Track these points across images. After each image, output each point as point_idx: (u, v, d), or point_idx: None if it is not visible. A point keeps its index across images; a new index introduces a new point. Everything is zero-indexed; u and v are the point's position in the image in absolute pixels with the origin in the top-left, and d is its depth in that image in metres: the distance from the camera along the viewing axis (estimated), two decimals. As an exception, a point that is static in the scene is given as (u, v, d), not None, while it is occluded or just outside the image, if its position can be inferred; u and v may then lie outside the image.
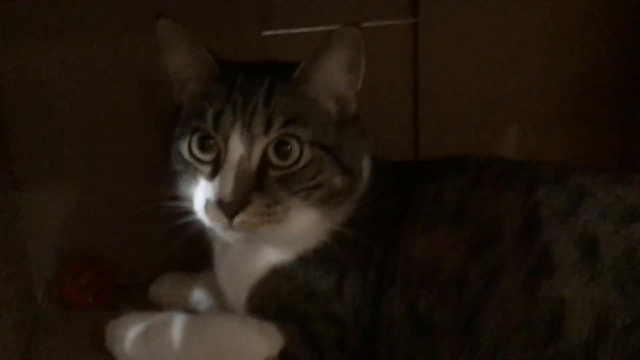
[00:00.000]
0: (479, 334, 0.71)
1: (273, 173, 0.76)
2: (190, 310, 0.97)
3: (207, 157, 0.78)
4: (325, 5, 1.04)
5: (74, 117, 1.01)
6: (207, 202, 0.76)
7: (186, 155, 0.79)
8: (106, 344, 0.89)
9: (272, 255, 0.82)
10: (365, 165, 0.85)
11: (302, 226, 0.79)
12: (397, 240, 0.80)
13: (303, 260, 0.81)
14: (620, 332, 0.65)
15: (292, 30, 1.04)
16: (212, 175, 0.77)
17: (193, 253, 0.91)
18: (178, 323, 0.85)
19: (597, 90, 1.14)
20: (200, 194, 0.78)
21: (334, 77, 0.79)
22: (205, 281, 0.99)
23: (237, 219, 0.74)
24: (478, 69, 1.10)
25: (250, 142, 0.75)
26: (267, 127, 0.75)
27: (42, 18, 0.96)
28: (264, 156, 0.76)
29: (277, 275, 0.82)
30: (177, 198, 0.82)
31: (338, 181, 0.79)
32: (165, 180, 0.83)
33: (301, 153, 0.77)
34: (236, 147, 0.75)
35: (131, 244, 1.05)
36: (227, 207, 0.74)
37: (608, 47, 1.12)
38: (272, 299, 0.82)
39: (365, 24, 1.02)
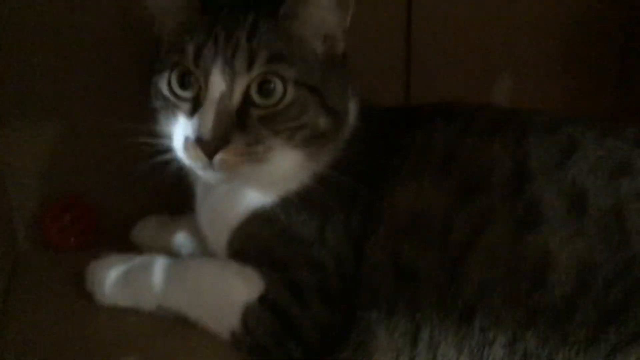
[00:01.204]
0: (461, 282, 0.70)
1: (255, 112, 0.74)
2: (172, 253, 0.95)
3: (186, 94, 0.76)
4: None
5: (53, 52, 0.98)
6: (186, 140, 0.74)
7: (165, 91, 0.77)
8: (86, 285, 0.89)
9: (253, 198, 0.81)
10: (352, 109, 0.83)
11: (285, 167, 0.78)
12: (382, 186, 0.79)
13: (285, 203, 0.80)
14: (602, 286, 0.65)
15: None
16: (191, 113, 0.75)
17: (176, 195, 0.90)
18: (159, 266, 0.85)
19: (593, 36, 1.12)
20: (179, 132, 0.76)
21: (322, 13, 0.77)
22: (188, 224, 0.98)
23: (217, 158, 0.73)
24: (473, 13, 1.08)
25: (231, 78, 0.73)
26: (250, 64, 0.73)
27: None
28: (246, 94, 0.74)
29: (258, 218, 0.81)
30: (157, 135, 0.80)
31: (322, 122, 0.77)
32: (146, 117, 0.81)
33: (285, 92, 0.75)
34: (217, 83, 0.73)
35: (113, 184, 1.04)
36: (206, 146, 0.72)
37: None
38: (253, 243, 0.82)
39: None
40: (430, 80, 1.10)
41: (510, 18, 1.09)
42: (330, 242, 0.79)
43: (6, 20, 0.95)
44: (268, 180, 0.79)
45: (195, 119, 0.73)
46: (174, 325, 0.83)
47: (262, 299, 0.78)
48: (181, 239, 0.98)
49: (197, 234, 0.95)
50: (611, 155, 0.72)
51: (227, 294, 0.80)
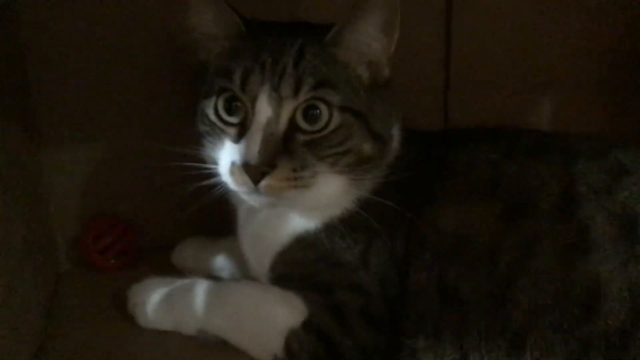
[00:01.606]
0: (510, 309, 0.69)
1: (301, 137, 0.75)
2: (212, 276, 0.96)
3: (233, 119, 0.76)
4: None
5: (99, 75, 1.00)
6: (233, 165, 0.75)
7: (212, 116, 0.78)
8: (128, 307, 0.89)
9: (297, 222, 0.81)
10: (395, 133, 0.83)
11: (329, 193, 0.78)
12: (427, 210, 0.78)
13: (329, 228, 0.80)
14: None
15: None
16: (238, 138, 0.75)
17: (217, 217, 0.90)
18: (201, 289, 0.85)
19: (631, 59, 1.11)
20: (226, 157, 0.76)
21: (368, 41, 0.77)
22: (228, 247, 0.98)
23: (263, 183, 0.73)
24: (512, 34, 1.08)
25: (278, 103, 0.74)
26: (296, 89, 0.74)
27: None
28: (292, 120, 0.74)
29: (302, 243, 0.81)
30: (201, 160, 0.81)
31: (367, 147, 0.77)
32: (190, 141, 0.82)
33: (330, 118, 0.75)
34: (264, 109, 0.74)
35: (154, 205, 1.05)
36: (252, 171, 0.73)
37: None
38: (296, 267, 0.81)
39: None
40: (469, 104, 1.10)
41: (549, 42, 1.09)
42: (374, 267, 0.79)
43: (52, 44, 0.97)
44: (312, 205, 0.79)
45: (241, 144, 0.74)
46: (215, 349, 0.83)
47: (306, 324, 0.78)
48: (221, 262, 0.99)
49: (237, 256, 0.95)
50: None
51: (270, 319, 0.80)
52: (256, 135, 0.73)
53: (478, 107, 1.09)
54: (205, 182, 0.80)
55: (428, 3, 1.05)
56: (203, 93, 0.79)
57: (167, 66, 1.00)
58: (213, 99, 0.77)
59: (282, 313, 0.79)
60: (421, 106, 1.07)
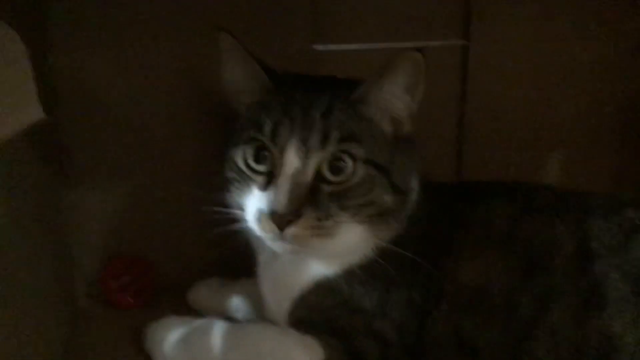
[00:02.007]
0: None
1: (326, 188, 0.77)
2: (228, 317, 0.97)
3: (261, 167, 0.79)
4: (378, 23, 1.05)
5: (127, 118, 1.02)
6: (260, 212, 0.77)
7: (241, 164, 0.80)
8: (145, 345, 0.91)
9: (317, 268, 0.83)
10: (415, 186, 0.85)
11: (350, 241, 0.79)
12: (444, 262, 0.80)
13: (348, 275, 0.81)
14: None
15: (344, 47, 1.05)
16: (265, 186, 0.77)
17: (234, 259, 0.92)
18: (218, 330, 0.86)
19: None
20: (253, 204, 0.78)
21: (393, 100, 0.80)
22: (244, 288, 1.00)
23: (289, 231, 0.75)
24: (525, 94, 1.11)
25: (306, 155, 0.76)
26: (324, 142, 0.76)
27: (103, 18, 0.98)
28: (318, 171, 0.77)
29: (321, 288, 0.83)
30: (226, 205, 0.83)
31: (388, 199, 0.79)
32: (215, 186, 0.84)
33: (354, 170, 0.77)
34: (292, 160, 0.76)
35: (174, 245, 1.08)
36: (279, 219, 0.75)
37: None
38: (315, 312, 0.83)
39: (415, 43, 1.04)
40: (482, 159, 1.12)
41: (562, 99, 1.11)
42: (393, 314, 0.80)
43: (82, 87, 1.00)
44: (333, 252, 0.81)
45: (269, 193, 0.76)
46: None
47: (323, 367, 0.79)
48: (237, 303, 1.00)
49: (254, 298, 0.96)
50: None
51: (287, 361, 0.81)
52: (284, 185, 0.75)
53: (491, 162, 1.11)
54: (228, 227, 0.82)
55: (444, 62, 1.08)
56: (234, 141, 0.82)
57: (194, 111, 1.03)
58: (242, 148, 0.80)
59: (299, 355, 0.80)
60: (435, 160, 1.10)
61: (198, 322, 0.89)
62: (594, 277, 0.71)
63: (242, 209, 0.81)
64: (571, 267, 0.73)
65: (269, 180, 0.77)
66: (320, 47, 1.05)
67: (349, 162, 0.77)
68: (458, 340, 0.76)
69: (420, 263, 0.79)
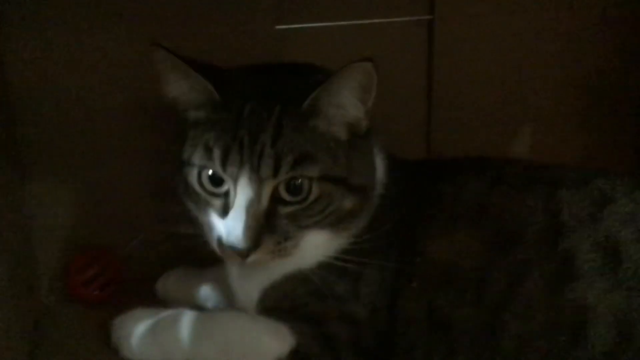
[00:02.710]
0: (500, 336, 0.70)
1: (282, 210, 0.75)
2: (197, 306, 0.95)
3: (218, 189, 0.76)
4: (341, 0, 1.03)
5: (83, 111, 1.00)
6: (219, 239, 0.75)
7: (196, 187, 0.77)
8: (112, 339, 0.88)
9: (288, 264, 0.80)
10: (379, 166, 0.83)
11: (315, 246, 0.78)
12: (415, 240, 0.79)
13: (320, 267, 0.80)
14: None
15: (307, 25, 1.03)
16: (222, 213, 0.75)
17: (201, 248, 0.89)
18: (187, 320, 0.84)
19: (612, 92, 1.13)
20: (212, 228, 0.77)
21: (345, 109, 0.76)
22: (212, 277, 0.98)
23: (250, 259, 0.74)
24: (493, 68, 1.10)
25: (258, 185, 0.73)
26: (276, 170, 0.73)
27: (57, 10, 0.95)
28: (273, 194, 0.74)
29: (292, 279, 0.81)
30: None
31: (348, 203, 0.77)
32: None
33: (310, 189, 0.75)
34: (245, 190, 0.73)
35: (137, 237, 1.05)
36: (239, 252, 0.74)
37: (626, 47, 1.11)
38: (286, 300, 0.81)
39: (380, 20, 1.03)
40: (451, 134, 1.11)
41: (531, 73, 1.10)
42: (365, 297, 0.79)
43: (37, 78, 0.98)
44: (300, 255, 0.79)
45: (227, 223, 0.74)
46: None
47: (294, 354, 0.78)
48: (206, 292, 0.98)
49: (222, 286, 0.95)
50: None
51: (257, 349, 0.79)
52: (239, 218, 0.73)
53: (460, 138, 1.11)
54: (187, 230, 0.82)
55: (410, 38, 1.06)
56: (184, 157, 0.78)
57: (149, 105, 0.99)
58: (195, 171, 0.77)
59: (269, 343, 0.79)
60: (404, 136, 1.09)
61: (166, 313, 0.87)
62: (565, 249, 0.71)
63: (201, 223, 0.80)
64: (542, 239, 0.73)
65: (225, 207, 0.75)
66: (283, 26, 1.02)
67: (305, 182, 0.74)
68: (431, 317, 0.75)
69: (391, 243, 0.78)
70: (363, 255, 0.78)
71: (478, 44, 1.08)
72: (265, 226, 0.74)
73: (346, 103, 0.76)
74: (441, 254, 0.77)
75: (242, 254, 0.73)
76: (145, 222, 1.04)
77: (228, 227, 0.74)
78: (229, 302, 0.92)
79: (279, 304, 0.82)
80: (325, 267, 0.80)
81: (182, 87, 0.78)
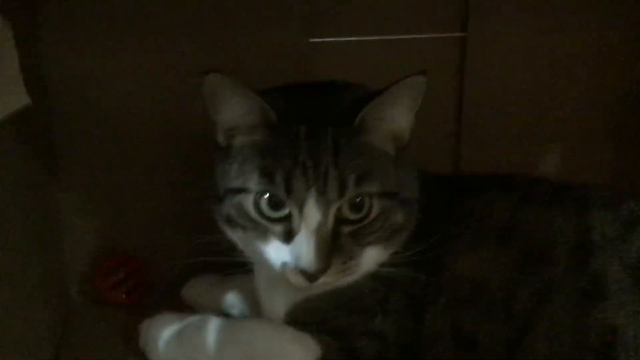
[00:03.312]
0: (526, 355, 0.69)
1: (346, 229, 0.74)
2: (222, 313, 0.96)
3: (278, 214, 0.74)
4: (374, 15, 1.04)
5: (119, 114, 1.01)
6: (285, 265, 0.74)
7: (253, 214, 0.75)
8: (139, 343, 0.89)
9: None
10: (416, 187, 0.82)
11: (368, 265, 0.78)
12: (443, 256, 0.79)
13: (356, 283, 0.80)
14: None
15: (340, 39, 1.04)
16: (286, 238, 0.74)
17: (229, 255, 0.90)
18: (213, 326, 0.84)
19: (642, 110, 1.12)
20: (274, 254, 0.75)
21: (395, 122, 0.77)
22: (238, 285, 0.98)
23: (318, 282, 0.73)
24: (523, 86, 1.10)
25: (326, 207, 0.72)
26: (342, 191, 0.72)
27: (95, 13, 0.96)
28: (337, 215, 0.74)
29: (326, 295, 0.80)
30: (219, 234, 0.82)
31: (400, 217, 0.77)
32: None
33: (371, 207, 0.74)
34: (313, 214, 0.72)
35: (167, 242, 1.06)
36: (310, 276, 0.72)
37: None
38: (315, 313, 0.81)
39: (413, 36, 1.04)
40: (480, 151, 1.11)
41: (562, 92, 1.10)
42: (392, 313, 0.79)
43: (74, 82, 0.99)
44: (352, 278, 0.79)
45: (294, 248, 0.73)
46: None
47: (319, 366, 0.78)
48: (232, 299, 0.98)
49: (247, 294, 0.95)
50: None
51: (283, 357, 0.79)
52: (309, 242, 0.72)
53: (489, 156, 1.10)
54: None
55: (442, 54, 1.07)
56: (233, 184, 0.77)
57: (187, 113, 0.99)
58: (251, 196, 0.75)
59: (295, 352, 0.79)
60: (433, 153, 1.09)
61: (192, 319, 0.88)
62: (594, 269, 0.70)
63: (252, 250, 0.79)
64: (571, 259, 0.72)
65: (289, 232, 0.74)
66: (316, 39, 1.03)
67: (366, 200, 0.74)
68: (456, 334, 0.75)
69: (421, 259, 0.77)
70: (396, 272, 0.77)
71: (510, 61, 1.08)
72: (333, 247, 0.73)
73: (398, 117, 0.76)
74: (468, 271, 0.77)
75: (312, 277, 0.72)
76: (174, 228, 1.05)
77: (297, 252, 0.73)
78: (255, 310, 0.93)
79: (307, 316, 0.81)
80: (361, 284, 0.79)
81: (236, 110, 0.76)
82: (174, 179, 1.04)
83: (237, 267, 0.90)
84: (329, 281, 0.74)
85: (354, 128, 0.74)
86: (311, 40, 1.03)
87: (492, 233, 0.78)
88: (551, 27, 1.07)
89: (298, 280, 0.73)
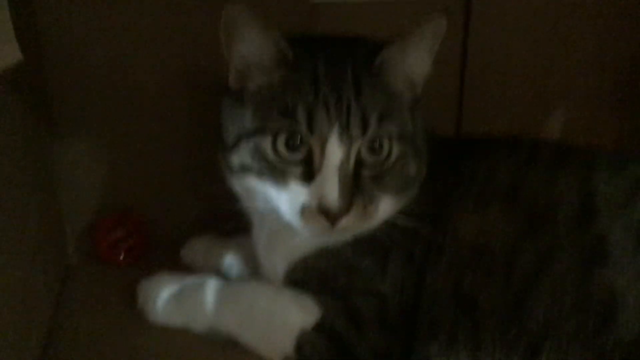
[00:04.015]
0: (526, 317, 0.69)
1: (366, 172, 0.74)
2: (221, 273, 0.96)
3: (296, 156, 0.73)
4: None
5: (115, 72, 1.00)
6: (304, 207, 0.72)
7: (270, 155, 0.74)
8: (138, 302, 0.89)
9: (325, 238, 0.79)
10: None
11: (383, 216, 0.77)
12: (446, 217, 0.78)
13: (356, 242, 0.79)
14: None
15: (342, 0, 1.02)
16: (306, 178, 0.73)
17: (229, 215, 0.88)
18: (212, 287, 0.85)
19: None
20: (292, 198, 0.74)
21: (416, 65, 0.77)
22: (238, 246, 0.98)
23: (340, 224, 0.72)
24: (528, 47, 1.08)
25: (348, 144, 0.72)
26: (365, 127, 0.72)
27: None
28: (358, 156, 0.73)
29: (324, 253, 0.80)
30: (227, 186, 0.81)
31: (413, 167, 0.77)
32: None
33: (391, 149, 0.74)
34: (335, 150, 0.72)
35: (167, 201, 1.06)
36: (333, 215, 0.71)
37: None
38: (314, 273, 0.81)
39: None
40: (483, 113, 1.10)
41: (566, 54, 1.09)
42: (393, 273, 0.79)
43: (70, 39, 0.97)
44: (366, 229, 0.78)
45: (316, 187, 0.72)
46: (225, 348, 0.82)
47: (319, 326, 0.78)
48: (231, 260, 0.98)
49: (247, 255, 0.95)
50: None
51: (282, 319, 0.80)
52: (332, 179, 0.71)
53: (491, 117, 1.09)
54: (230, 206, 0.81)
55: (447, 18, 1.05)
56: (249, 128, 0.75)
57: (186, 72, 1.00)
58: (269, 137, 0.74)
59: (294, 313, 0.79)
60: (437, 114, 1.07)
61: (191, 279, 0.88)
62: (597, 233, 0.70)
63: (264, 199, 0.77)
64: (574, 222, 0.72)
65: (309, 172, 0.73)
66: (317, 0, 1.01)
67: (386, 142, 0.74)
68: (458, 295, 0.75)
69: (423, 221, 0.77)
70: (397, 232, 0.77)
71: (514, 24, 1.06)
72: (354, 188, 0.72)
73: (417, 60, 0.76)
74: (471, 232, 0.76)
75: (336, 217, 0.71)
76: (174, 186, 1.05)
77: (319, 190, 0.71)
78: (254, 271, 0.93)
79: (307, 276, 0.81)
80: (360, 244, 0.79)
81: (254, 46, 0.75)
82: (175, 133, 1.03)
83: (238, 228, 0.91)
84: (350, 224, 0.72)
85: (374, 69, 0.74)
86: (313, 0, 1.00)
87: (496, 195, 0.78)
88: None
89: (319, 221, 0.72)
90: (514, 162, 0.80)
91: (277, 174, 0.74)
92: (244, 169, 0.77)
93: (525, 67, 1.09)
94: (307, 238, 0.78)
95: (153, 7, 0.97)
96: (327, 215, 0.71)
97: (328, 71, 0.74)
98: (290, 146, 0.73)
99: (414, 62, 0.76)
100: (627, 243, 0.69)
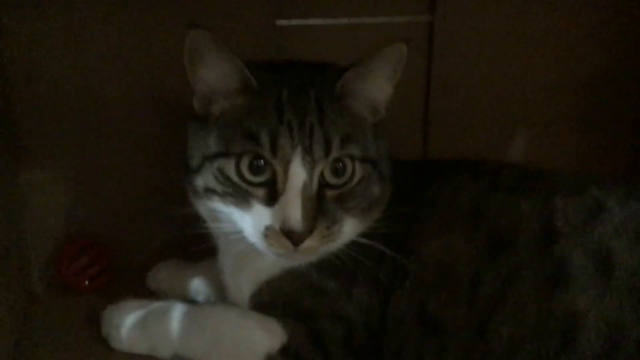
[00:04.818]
0: (490, 339, 0.69)
1: (329, 193, 0.75)
2: (187, 299, 0.95)
3: (259, 178, 0.74)
4: (343, -2, 1.03)
5: (80, 98, 0.99)
6: (268, 229, 0.73)
7: (234, 177, 0.75)
8: (102, 330, 0.88)
9: (290, 259, 0.79)
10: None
11: (346, 237, 0.77)
12: (411, 239, 0.79)
13: (321, 264, 0.79)
14: (633, 347, 0.64)
15: (307, 22, 1.03)
16: (270, 201, 0.74)
17: (193, 240, 0.88)
18: (177, 312, 0.84)
19: (609, 96, 1.13)
20: (256, 220, 0.74)
21: (376, 90, 0.79)
22: (204, 270, 0.98)
23: (303, 246, 0.72)
24: (491, 70, 1.10)
25: (311, 166, 0.73)
26: (327, 150, 0.73)
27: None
28: (321, 178, 0.74)
29: (289, 275, 0.80)
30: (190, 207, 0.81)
31: (377, 190, 0.78)
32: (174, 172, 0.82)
33: (354, 171, 0.76)
34: (299, 173, 0.72)
35: (132, 227, 1.05)
36: (296, 236, 0.72)
37: (622, 53, 1.11)
38: (280, 295, 0.81)
39: (380, 19, 1.03)
40: (448, 134, 1.11)
41: (529, 76, 1.10)
42: (358, 296, 0.79)
43: (34, 60, 0.97)
44: (330, 251, 0.78)
45: (279, 209, 0.72)
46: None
47: (284, 350, 0.77)
48: (197, 285, 0.98)
49: (213, 280, 0.95)
50: (635, 217, 0.72)
51: (248, 344, 0.79)
52: (295, 201, 0.72)
53: (457, 139, 1.11)
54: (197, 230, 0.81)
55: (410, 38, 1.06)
56: (213, 151, 0.76)
57: (151, 93, 1.00)
58: (233, 160, 0.75)
59: (260, 338, 0.78)
60: (401, 137, 1.08)
61: (156, 305, 0.87)
62: (558, 256, 0.70)
63: (228, 221, 0.77)
64: (536, 245, 0.72)
65: (273, 194, 0.74)
66: (284, 22, 1.02)
67: (349, 164, 0.75)
68: (422, 318, 0.75)
69: (388, 243, 0.77)
70: (362, 253, 0.77)
71: (478, 45, 1.08)
72: (318, 209, 0.73)
73: (377, 85, 0.78)
74: (435, 255, 0.77)
75: (300, 238, 0.72)
76: (139, 211, 1.04)
77: (282, 211, 0.72)
78: (220, 295, 0.92)
79: (273, 299, 0.81)
80: (325, 265, 0.79)
81: (217, 72, 0.76)
82: (140, 158, 1.03)
83: (204, 252, 0.90)
84: (313, 245, 0.73)
85: (336, 93, 0.76)
86: (278, 23, 1.01)
87: (460, 219, 0.78)
88: (520, 10, 1.07)
89: (283, 243, 0.72)
90: (477, 185, 0.81)
91: (240, 196, 0.75)
92: (209, 192, 0.77)
93: (489, 91, 1.10)
94: (272, 260, 0.78)
95: (120, 31, 0.98)
96: (291, 236, 0.72)
97: (291, 96, 0.75)
98: (253, 169, 0.74)
99: (374, 86, 0.78)
100: (588, 264, 0.69)
